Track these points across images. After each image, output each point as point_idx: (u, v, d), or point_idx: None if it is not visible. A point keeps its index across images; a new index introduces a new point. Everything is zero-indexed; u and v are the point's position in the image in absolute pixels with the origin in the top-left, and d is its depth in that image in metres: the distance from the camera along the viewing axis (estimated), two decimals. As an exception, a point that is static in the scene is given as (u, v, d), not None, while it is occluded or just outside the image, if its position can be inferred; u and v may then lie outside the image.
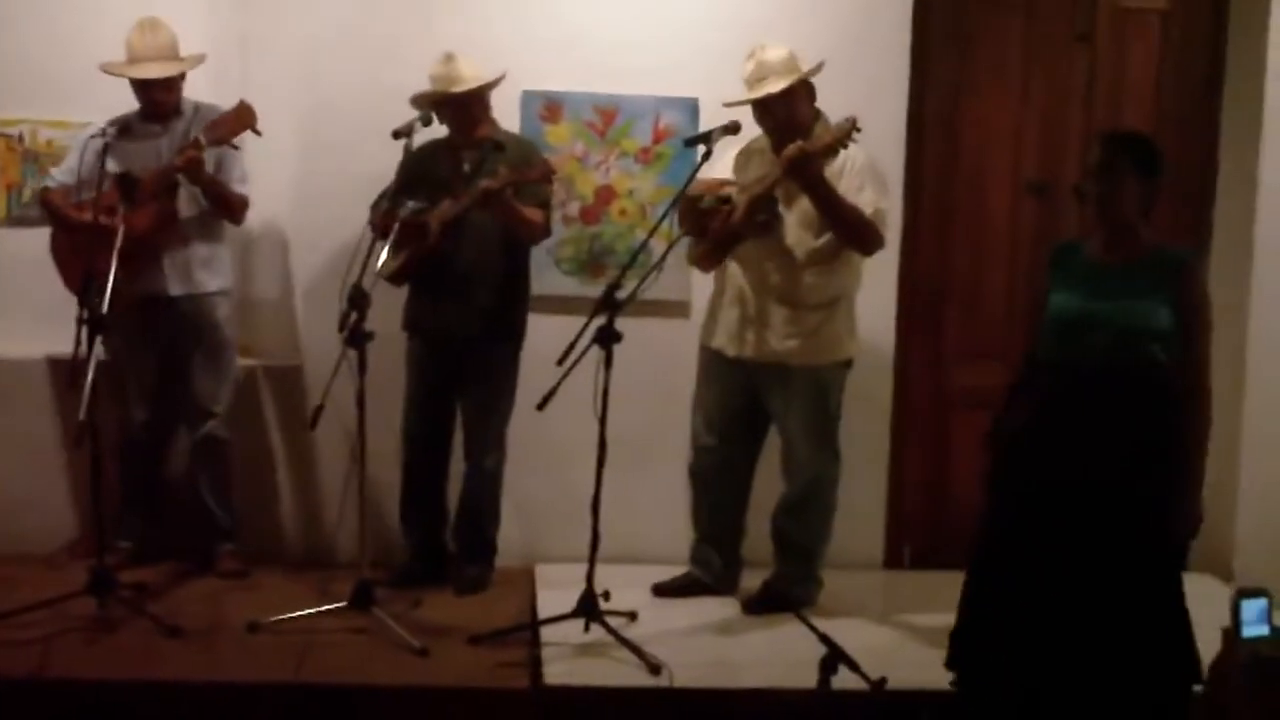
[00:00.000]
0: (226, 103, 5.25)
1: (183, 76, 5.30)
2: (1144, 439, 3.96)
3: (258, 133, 5.20)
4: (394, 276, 5.17)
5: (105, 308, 4.61)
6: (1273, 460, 5.65)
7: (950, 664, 4.23)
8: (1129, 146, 4.11)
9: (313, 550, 5.68)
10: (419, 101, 5.19)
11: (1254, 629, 2.26)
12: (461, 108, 5.19)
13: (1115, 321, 3.97)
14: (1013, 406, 4.23)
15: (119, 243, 4.74)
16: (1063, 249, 4.28)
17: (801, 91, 5.01)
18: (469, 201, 5.08)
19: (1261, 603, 2.27)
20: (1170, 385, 3.99)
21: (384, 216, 5.03)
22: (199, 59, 5.30)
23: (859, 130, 4.75)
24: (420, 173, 5.13)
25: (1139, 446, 3.96)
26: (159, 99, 5.27)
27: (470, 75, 5.17)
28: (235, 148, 5.25)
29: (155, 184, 5.11)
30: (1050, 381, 4.08)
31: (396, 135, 5.03)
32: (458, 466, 5.46)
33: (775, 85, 4.93)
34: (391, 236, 4.88)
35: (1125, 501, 3.94)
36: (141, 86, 5.26)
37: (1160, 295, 3.98)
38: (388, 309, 5.20)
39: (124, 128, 5.21)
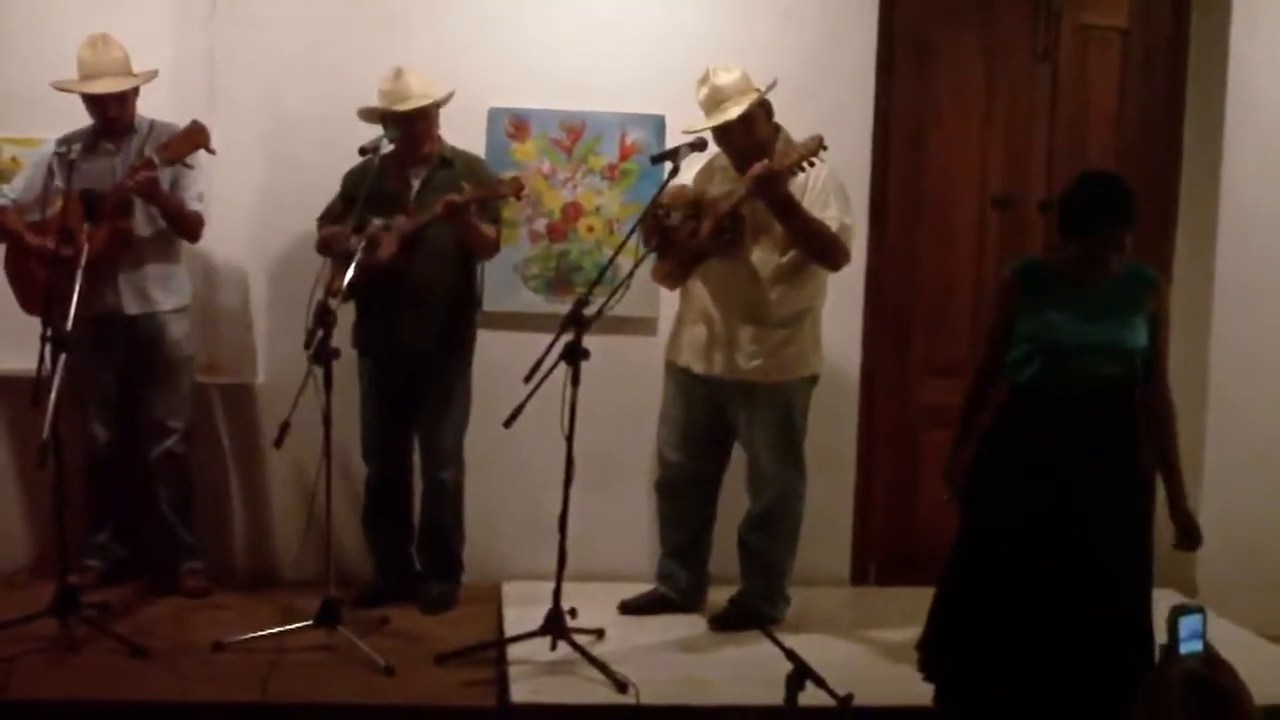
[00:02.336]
0: (190, 119, 5.22)
1: (136, 92, 5.28)
2: (1125, 453, 4.04)
3: (211, 151, 5.18)
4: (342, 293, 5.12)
5: (69, 326, 4.59)
6: (1234, 475, 5.70)
7: (924, 668, 4.26)
8: (1125, 212, 4.02)
9: (276, 569, 5.64)
10: (367, 116, 5.20)
11: (1190, 645, 2.28)
12: (409, 124, 5.17)
13: (1108, 342, 4.01)
14: (972, 428, 4.27)
15: (83, 260, 4.71)
16: (1031, 268, 4.25)
17: (759, 112, 5.01)
18: (428, 217, 5.07)
19: (1197, 619, 2.28)
20: (1132, 397, 4.07)
21: (353, 231, 5.01)
22: (151, 74, 5.27)
23: (825, 149, 4.77)
24: (366, 189, 5.07)
25: (1120, 461, 4.03)
26: (111, 115, 5.23)
27: (418, 92, 5.16)
28: (189, 166, 5.22)
29: (110, 202, 5.08)
30: (1037, 402, 4.08)
31: (364, 152, 5.04)
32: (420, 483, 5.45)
33: (733, 110, 4.93)
34: (358, 254, 4.87)
35: (1110, 517, 4.00)
36: (93, 102, 5.22)
37: (1140, 312, 4.04)
38: (347, 327, 5.19)
39: (79, 145, 5.16)
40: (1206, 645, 2.30)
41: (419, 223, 5.10)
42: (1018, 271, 4.25)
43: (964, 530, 4.24)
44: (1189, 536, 4.19)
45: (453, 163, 5.26)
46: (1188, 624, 2.28)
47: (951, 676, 4.21)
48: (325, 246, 5.18)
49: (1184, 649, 2.27)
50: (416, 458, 5.46)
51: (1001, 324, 4.20)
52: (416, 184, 5.24)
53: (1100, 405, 4.04)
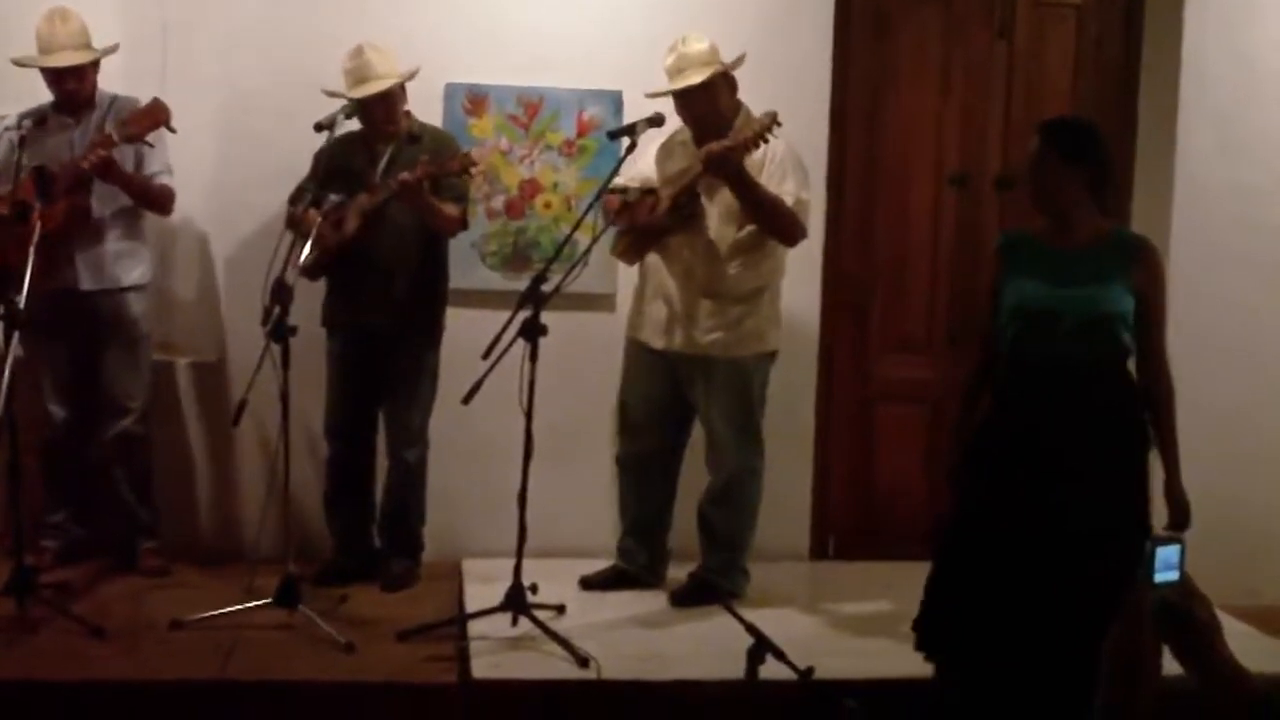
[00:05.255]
0: (145, 93, 5.17)
1: (95, 67, 5.22)
2: (1111, 424, 3.99)
3: (172, 129, 5.12)
4: (309, 270, 5.10)
5: (22, 304, 4.54)
6: (1195, 448, 5.67)
7: (921, 647, 4.21)
8: (1055, 135, 4.07)
9: (235, 547, 5.61)
10: (333, 95, 5.15)
11: (1165, 575, 2.30)
12: (376, 102, 5.14)
13: (1081, 307, 3.95)
14: (973, 404, 4.25)
15: (35, 239, 4.66)
16: (1013, 238, 4.24)
17: (722, 84, 5.03)
18: (385, 194, 5.05)
19: (1174, 550, 2.31)
20: (1127, 369, 4.03)
21: (305, 210, 4.99)
22: (110, 49, 5.21)
23: (779, 124, 4.79)
24: (334, 166, 5.08)
25: (1106, 432, 3.98)
26: (70, 89, 5.16)
27: (384, 71, 5.13)
28: (150, 145, 5.18)
29: (66, 179, 5.03)
30: (1016, 371, 4.06)
31: (319, 128, 4.98)
32: (383, 461, 5.43)
33: (696, 77, 4.96)
34: (314, 231, 4.84)
35: (1095, 489, 3.94)
36: (53, 77, 5.16)
37: (1122, 279, 3.98)
38: (309, 304, 5.16)
39: (37, 120, 5.09)
40: (1184, 576, 2.31)
41: (378, 200, 5.08)
42: (1000, 244, 4.25)
43: (955, 504, 4.21)
44: (1177, 516, 4.08)
45: (420, 138, 5.23)
46: (1164, 555, 2.30)
47: (948, 652, 4.17)
48: (294, 225, 5.14)
49: (1159, 578, 2.29)
50: (379, 437, 5.44)
51: (990, 299, 4.18)
52: (383, 160, 5.21)
53: (1080, 374, 3.97)
